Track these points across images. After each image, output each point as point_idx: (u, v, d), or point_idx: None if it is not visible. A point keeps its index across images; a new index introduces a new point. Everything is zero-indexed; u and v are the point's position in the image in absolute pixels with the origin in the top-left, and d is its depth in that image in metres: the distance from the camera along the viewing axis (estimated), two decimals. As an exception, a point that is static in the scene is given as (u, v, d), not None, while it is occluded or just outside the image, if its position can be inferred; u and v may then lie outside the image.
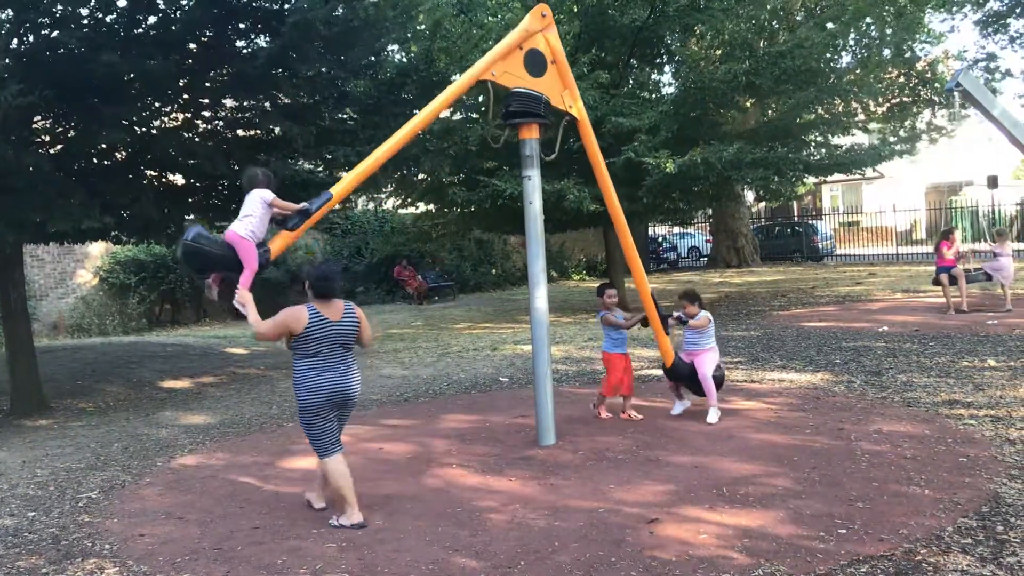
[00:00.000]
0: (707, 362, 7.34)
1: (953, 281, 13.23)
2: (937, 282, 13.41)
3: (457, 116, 15.50)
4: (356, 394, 5.32)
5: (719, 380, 7.48)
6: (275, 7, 9.87)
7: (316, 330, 5.09)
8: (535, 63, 6.72)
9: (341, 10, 9.51)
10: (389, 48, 12.98)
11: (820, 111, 19.07)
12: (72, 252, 19.89)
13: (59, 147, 10.09)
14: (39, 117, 9.74)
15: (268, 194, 5.63)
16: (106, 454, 7.74)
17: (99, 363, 13.24)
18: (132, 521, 5.61)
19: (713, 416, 7.17)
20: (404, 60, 13.18)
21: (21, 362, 10.38)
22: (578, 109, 6.99)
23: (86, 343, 16.10)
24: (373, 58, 11.22)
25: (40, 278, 19.57)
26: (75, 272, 20.37)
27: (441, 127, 13.52)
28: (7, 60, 7.35)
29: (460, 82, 6.80)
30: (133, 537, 5.26)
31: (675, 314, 7.49)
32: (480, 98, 14.56)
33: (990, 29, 24.90)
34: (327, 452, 5.21)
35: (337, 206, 7.59)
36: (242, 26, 10.10)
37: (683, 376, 7.52)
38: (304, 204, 5.79)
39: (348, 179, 6.39)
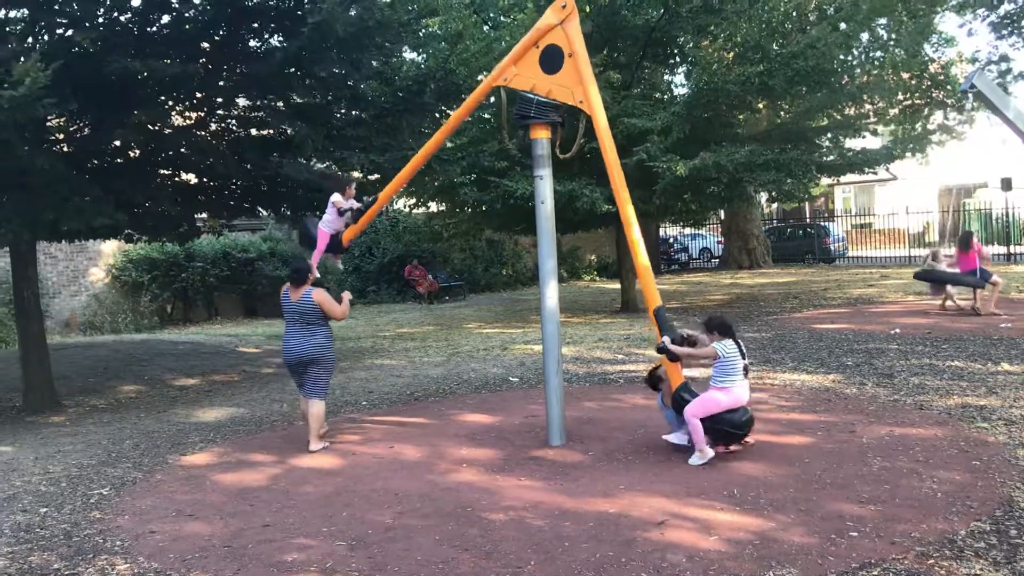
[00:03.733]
0: (702, 400, 5.91)
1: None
2: (983, 284, 13.06)
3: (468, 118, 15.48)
4: (304, 357, 7.09)
5: (731, 426, 5.89)
6: (290, 5, 9.87)
7: (283, 306, 7.25)
8: (550, 60, 6.59)
9: (356, 10, 9.53)
10: (403, 51, 12.94)
11: (833, 114, 18.98)
12: (85, 250, 20.00)
13: (73, 146, 10.14)
14: (53, 116, 9.79)
15: (335, 196, 7.78)
16: (117, 451, 7.77)
17: (111, 361, 13.30)
18: (143, 518, 5.63)
19: (695, 459, 5.90)
20: (422, 66, 13.12)
21: (34, 359, 10.44)
22: (589, 104, 6.54)
23: (98, 341, 16.18)
24: (385, 59, 11.21)
25: (53, 276, 19.68)
26: (88, 270, 20.47)
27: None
28: (39, 66, 7.30)
29: (477, 91, 7.29)
30: (144, 534, 5.29)
31: (685, 332, 6.29)
32: (491, 99, 14.57)
33: (1004, 32, 24.68)
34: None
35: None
36: (255, 25, 10.12)
37: (675, 406, 6.10)
38: (356, 203, 7.85)
39: (391, 185, 7.95)
